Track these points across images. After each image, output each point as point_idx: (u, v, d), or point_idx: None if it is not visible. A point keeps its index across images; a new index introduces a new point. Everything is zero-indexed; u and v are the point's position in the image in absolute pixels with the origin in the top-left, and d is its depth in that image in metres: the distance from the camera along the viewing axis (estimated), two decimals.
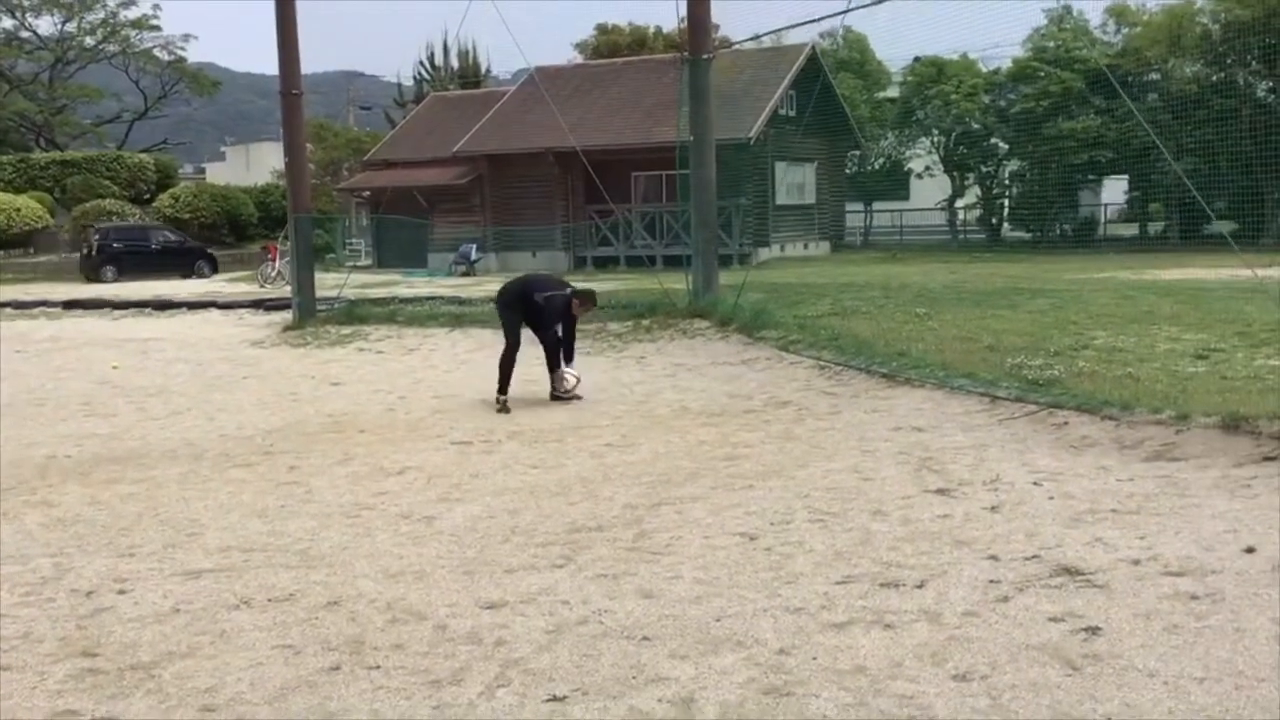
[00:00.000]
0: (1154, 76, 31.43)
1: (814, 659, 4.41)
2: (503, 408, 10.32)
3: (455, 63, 51.54)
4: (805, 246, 34.28)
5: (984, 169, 36.95)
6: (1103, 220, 37.21)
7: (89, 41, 50.80)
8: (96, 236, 32.49)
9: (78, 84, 52.17)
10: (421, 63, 52.80)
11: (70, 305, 22.53)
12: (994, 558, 5.47)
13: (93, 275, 31.53)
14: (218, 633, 4.95)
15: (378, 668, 4.51)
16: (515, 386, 10.61)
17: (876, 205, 40.32)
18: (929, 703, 3.98)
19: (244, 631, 4.95)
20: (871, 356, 10.96)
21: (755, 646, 4.55)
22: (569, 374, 10.80)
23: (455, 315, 16.99)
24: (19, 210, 35.92)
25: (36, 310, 22.17)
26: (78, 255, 34.07)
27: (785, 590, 5.19)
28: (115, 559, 6.09)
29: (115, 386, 12.73)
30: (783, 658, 4.43)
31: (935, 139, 37.31)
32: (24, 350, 16.32)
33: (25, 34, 50.33)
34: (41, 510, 7.20)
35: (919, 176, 38.86)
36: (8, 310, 22.25)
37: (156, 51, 51.65)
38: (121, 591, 5.54)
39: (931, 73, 35.61)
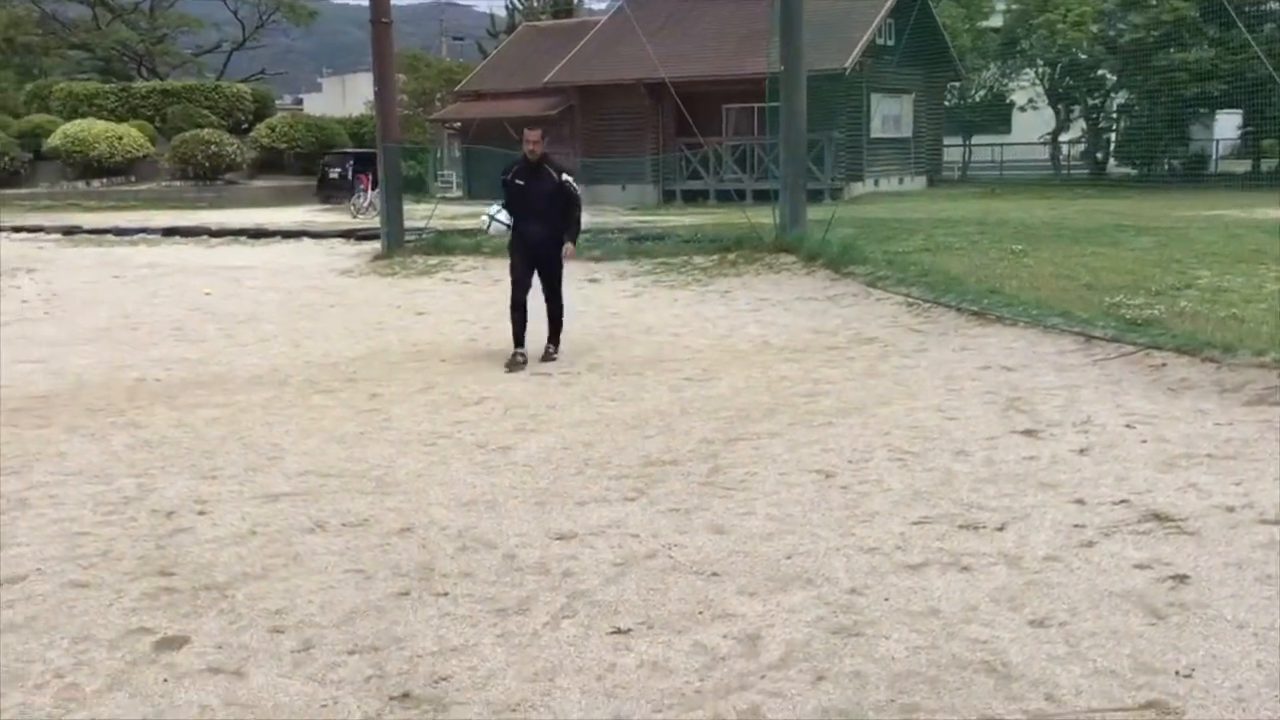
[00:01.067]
0: (1272, 5, 29.93)
1: (886, 600, 4.30)
2: (549, 358, 9.44)
3: None
4: (900, 181, 33.57)
5: (1090, 101, 35.70)
6: (1214, 156, 35.78)
7: None
8: (351, 163, 32.81)
9: (177, 13, 52.85)
10: None
11: (169, 232, 22.98)
12: (1080, 501, 5.29)
13: (341, 200, 31.46)
14: (291, 555, 5.00)
15: (446, 595, 4.51)
16: (592, 319, 10.53)
17: (976, 139, 39.27)
18: (1003, 648, 3.86)
19: (317, 555, 5.00)
20: (962, 293, 10.67)
21: (825, 585, 4.46)
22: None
23: None
24: (121, 139, 36.65)
25: (137, 237, 22.66)
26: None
27: (860, 529, 5.08)
28: (197, 481, 6.19)
29: (206, 312, 12.97)
30: (853, 597, 4.33)
31: (1040, 70, 36.10)
32: (122, 276, 16.70)
33: None
34: (129, 431, 7.35)
35: (1021, 109, 37.70)
36: (109, 236, 22.77)
37: None
38: (201, 513, 5.63)
39: (1037, 0, 34.36)
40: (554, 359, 9.32)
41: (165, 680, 3.83)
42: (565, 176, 9.04)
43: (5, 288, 15.32)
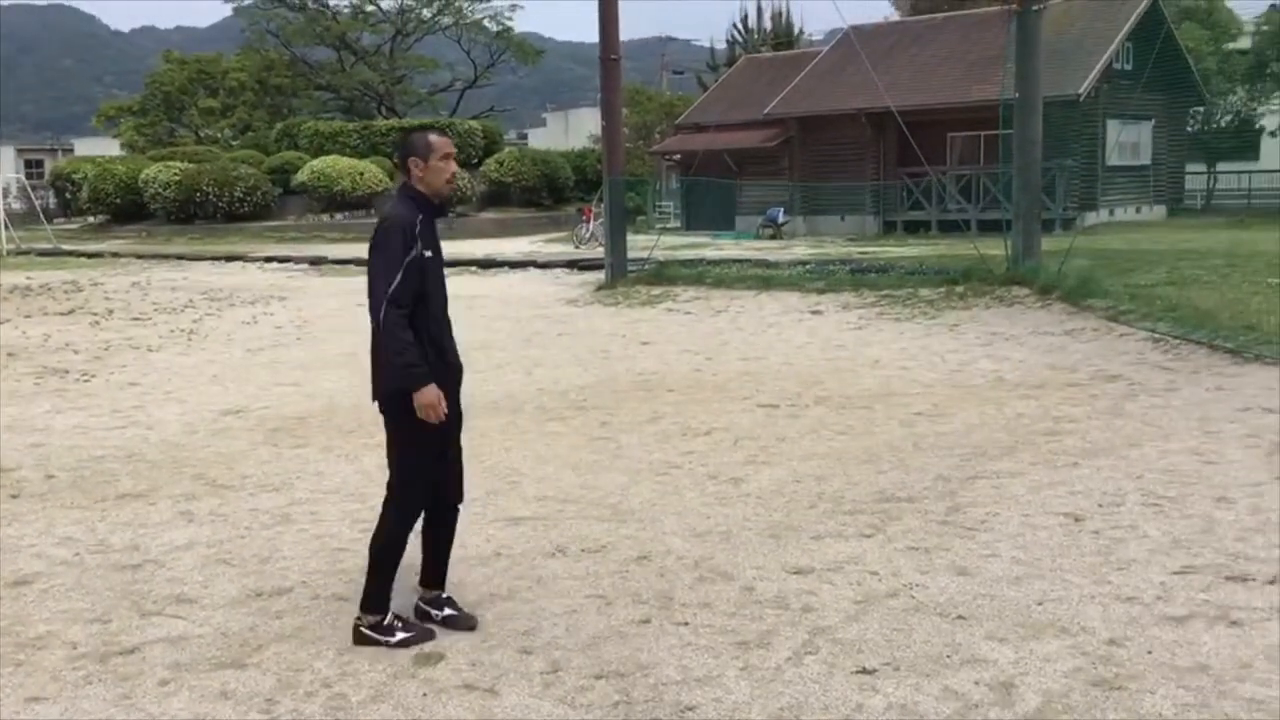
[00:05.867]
0: None
1: (1149, 653, 4.08)
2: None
3: (768, 25, 51.43)
4: (1138, 210, 32.07)
5: None
6: None
7: (426, 14, 54.03)
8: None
9: (415, 55, 55.71)
10: (735, 26, 53.11)
11: None
12: None
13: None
14: (535, 578, 5.14)
15: (686, 624, 4.54)
16: (817, 350, 10.38)
17: (1221, 166, 37.13)
18: None
19: (559, 579, 5.12)
20: (1215, 330, 10.10)
21: (1082, 634, 4.26)
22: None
23: (762, 278, 16.99)
24: (363, 174, 38.75)
25: None
26: None
27: (1115, 577, 4.84)
28: None
29: None
30: (1113, 649, 4.13)
31: None
32: (364, 303, 17.57)
33: (370, 8, 54.08)
34: (378, 453, 7.62)
35: (1271, 134, 35.46)
36: (351, 266, 24.05)
37: (486, 22, 54.31)
38: None
39: None
40: (473, 624, 4.58)
41: (424, 695, 3.99)
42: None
43: (260, 315, 16.38)
